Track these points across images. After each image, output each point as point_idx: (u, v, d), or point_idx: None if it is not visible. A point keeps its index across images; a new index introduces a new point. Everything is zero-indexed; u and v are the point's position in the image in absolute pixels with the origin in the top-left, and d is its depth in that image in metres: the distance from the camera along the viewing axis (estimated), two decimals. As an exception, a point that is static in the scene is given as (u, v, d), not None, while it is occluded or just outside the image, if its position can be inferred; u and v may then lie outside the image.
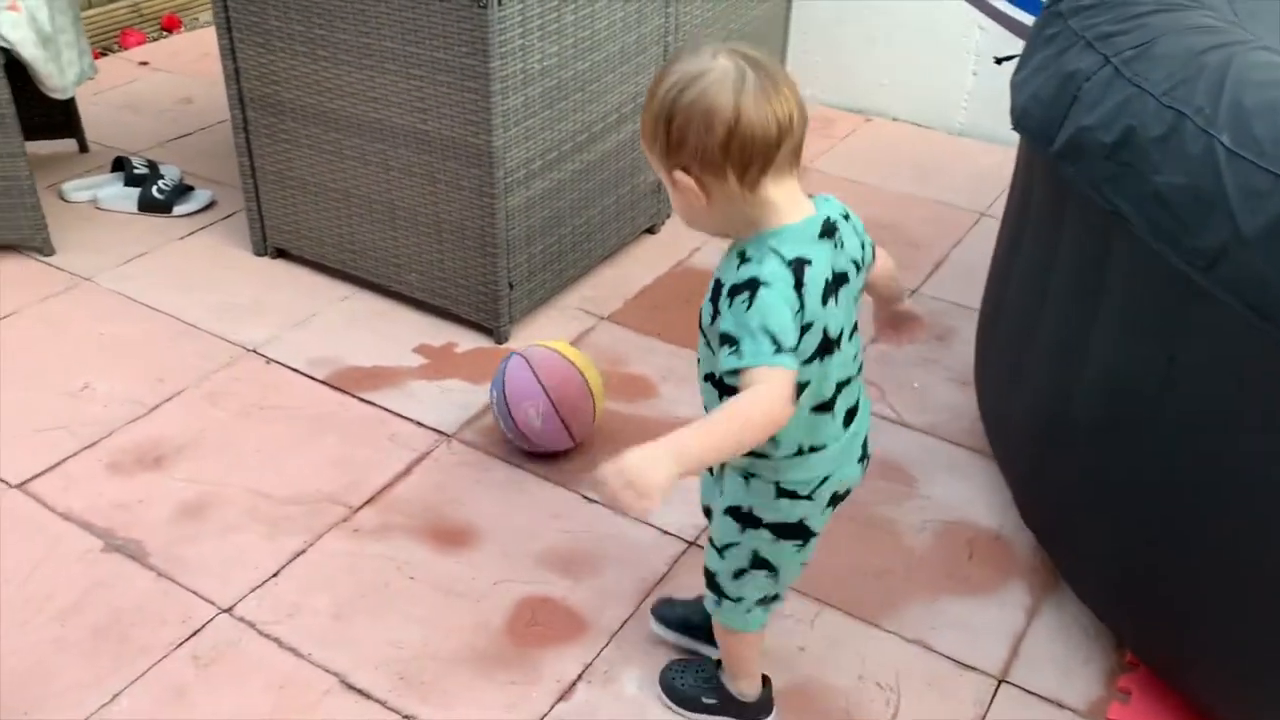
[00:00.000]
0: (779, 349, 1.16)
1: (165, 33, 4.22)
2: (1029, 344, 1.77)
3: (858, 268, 1.32)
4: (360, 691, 1.62)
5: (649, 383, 2.30)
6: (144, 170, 2.93)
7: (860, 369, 1.37)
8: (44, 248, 2.64)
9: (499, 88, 2.10)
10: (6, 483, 1.97)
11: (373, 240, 2.47)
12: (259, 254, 2.69)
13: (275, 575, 1.81)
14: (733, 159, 1.17)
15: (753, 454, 1.31)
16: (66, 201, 2.90)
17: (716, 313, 1.22)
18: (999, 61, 1.94)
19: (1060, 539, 1.78)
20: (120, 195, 2.87)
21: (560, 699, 1.63)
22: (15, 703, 1.58)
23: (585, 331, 2.47)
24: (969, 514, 2.00)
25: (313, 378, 2.29)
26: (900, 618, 1.78)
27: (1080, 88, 1.52)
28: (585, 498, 2.00)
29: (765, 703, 1.60)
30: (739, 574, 1.44)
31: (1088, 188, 1.49)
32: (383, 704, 1.60)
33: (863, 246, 1.34)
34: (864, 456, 1.43)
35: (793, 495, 1.35)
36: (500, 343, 2.42)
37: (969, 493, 2.05)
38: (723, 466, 1.42)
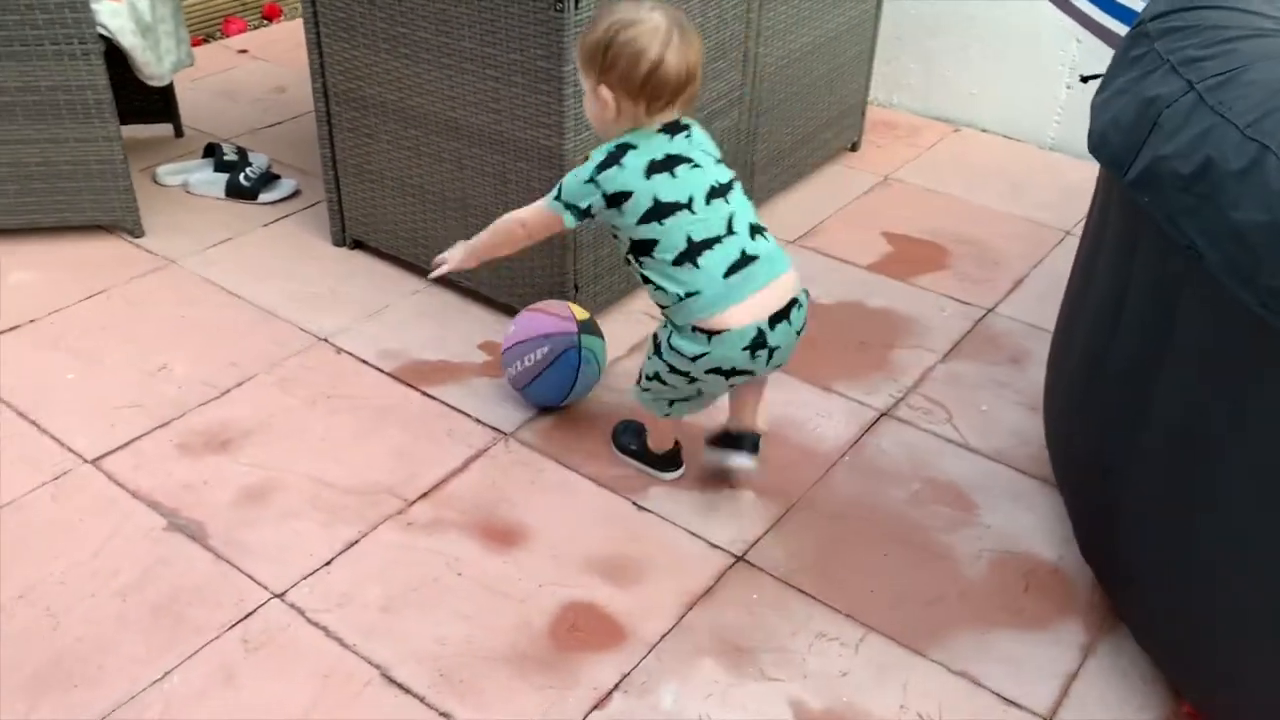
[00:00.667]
0: (557, 197, 1.76)
1: (266, 21, 4.34)
2: (1097, 374, 1.72)
3: (707, 155, 1.76)
4: (401, 686, 1.65)
5: (709, 391, 2.29)
6: (233, 157, 3.02)
7: (752, 234, 1.76)
8: (135, 229, 2.73)
9: (572, 91, 2.11)
10: (82, 457, 2.05)
11: (445, 236, 2.50)
12: (337, 244, 2.75)
13: (328, 564, 1.85)
14: (647, 92, 1.66)
15: (660, 305, 1.78)
16: (159, 185, 3.00)
17: None
18: (1085, 80, 1.88)
19: (1120, 578, 1.72)
20: (209, 181, 2.96)
21: (595, 707, 1.63)
22: (76, 671, 1.65)
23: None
24: (1029, 545, 1.95)
25: (380, 369, 2.33)
26: (949, 648, 1.74)
27: (1160, 114, 1.46)
28: (636, 505, 2.00)
29: (674, 458, 2.05)
30: (650, 378, 1.87)
31: (1162, 219, 1.43)
32: (421, 700, 1.63)
33: (719, 145, 1.83)
34: (763, 346, 1.76)
35: (678, 352, 1.77)
36: (565, 343, 2.43)
37: (1030, 523, 2.00)
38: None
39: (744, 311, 1.72)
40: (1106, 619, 1.80)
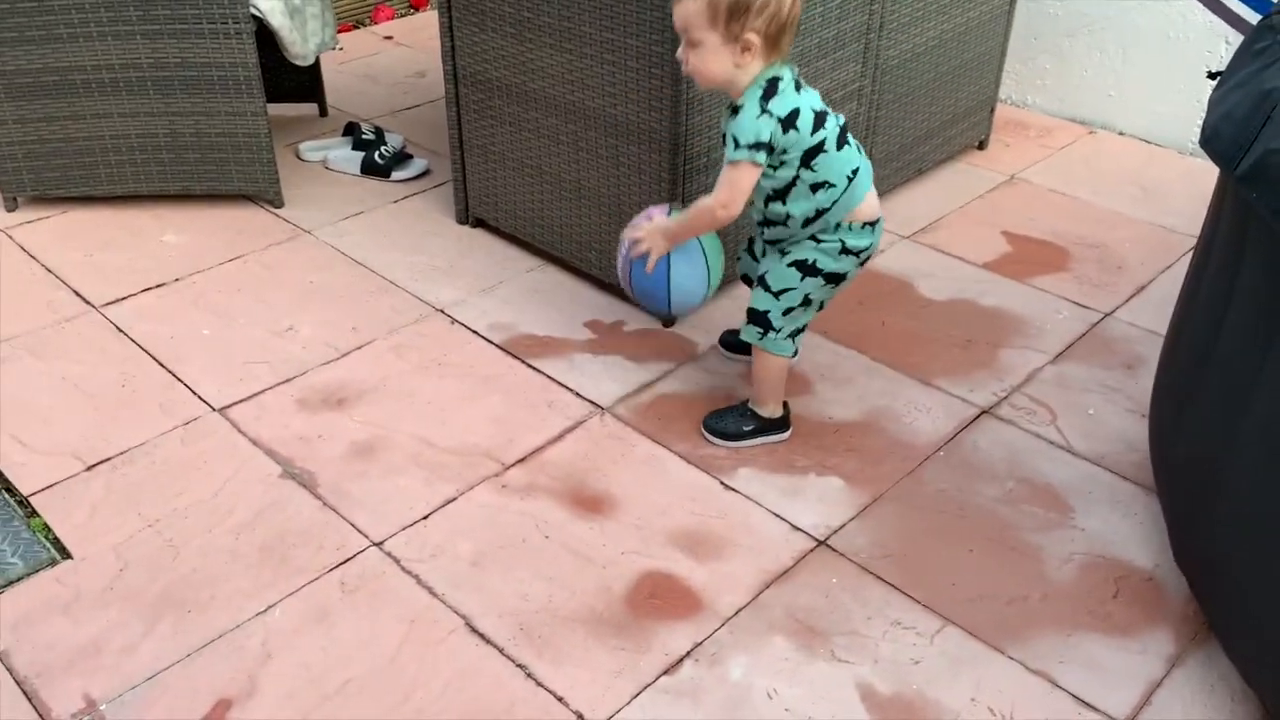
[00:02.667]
0: (736, 148, 1.84)
1: (413, 9, 4.52)
2: (1200, 379, 1.66)
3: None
4: (482, 636, 1.72)
5: (805, 380, 2.30)
6: (371, 136, 3.17)
7: None
8: (275, 200, 2.91)
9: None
10: (211, 406, 2.20)
11: (560, 217, 2.58)
12: (461, 222, 2.86)
13: (426, 518, 1.95)
14: (784, 37, 1.80)
15: (809, 222, 1.93)
16: (301, 160, 3.17)
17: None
18: (1211, 77, 1.81)
19: (1214, 590, 1.67)
20: (347, 158, 3.12)
21: (665, 672, 1.67)
22: (188, 598, 1.78)
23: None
24: (1122, 551, 1.90)
25: (489, 340, 2.43)
26: (1028, 647, 1.72)
27: (1276, 106, 1.41)
28: (724, 485, 2.03)
29: (786, 420, 2.14)
30: (792, 308, 1.99)
31: (1269, 216, 1.38)
32: (500, 650, 1.70)
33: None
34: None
35: (850, 252, 1.95)
36: (667, 326, 2.48)
37: (1127, 529, 1.94)
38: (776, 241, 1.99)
39: (872, 205, 1.96)
40: (1199, 631, 1.74)
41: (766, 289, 2.00)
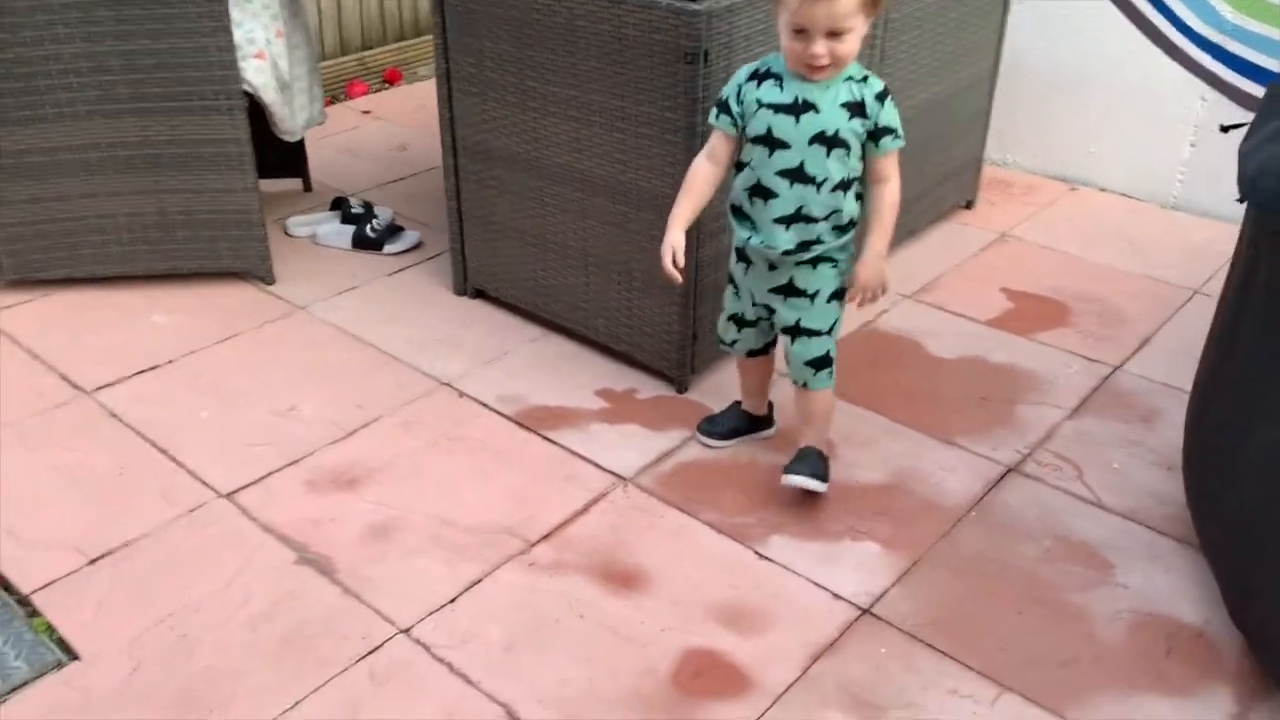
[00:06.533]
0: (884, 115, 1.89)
1: (387, 84, 4.52)
2: (1246, 436, 1.65)
3: None
4: (524, 725, 1.64)
5: (828, 443, 2.26)
6: (360, 210, 3.12)
7: None
8: (267, 277, 2.84)
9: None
10: (217, 492, 2.11)
11: (565, 285, 2.55)
12: (459, 293, 2.81)
13: (452, 601, 1.87)
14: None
15: (851, 228, 1.96)
16: (289, 236, 3.12)
17: (863, 118, 1.86)
18: (1225, 130, 1.84)
19: (1277, 646, 1.63)
20: (337, 232, 3.07)
21: (721, 755, 1.60)
22: (207, 697, 1.68)
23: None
24: (1169, 608, 1.86)
25: (500, 413, 2.36)
26: (1089, 710, 1.67)
27: (1320, 157, 1.42)
28: (758, 554, 1.98)
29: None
30: (834, 328, 2.04)
31: (1325, 263, 1.38)
32: (545, 740, 1.62)
33: None
34: None
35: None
36: (681, 392, 2.43)
37: (1171, 585, 1.91)
38: (814, 261, 1.96)
39: None
40: (1259, 688, 1.70)
41: (813, 334, 2.01)
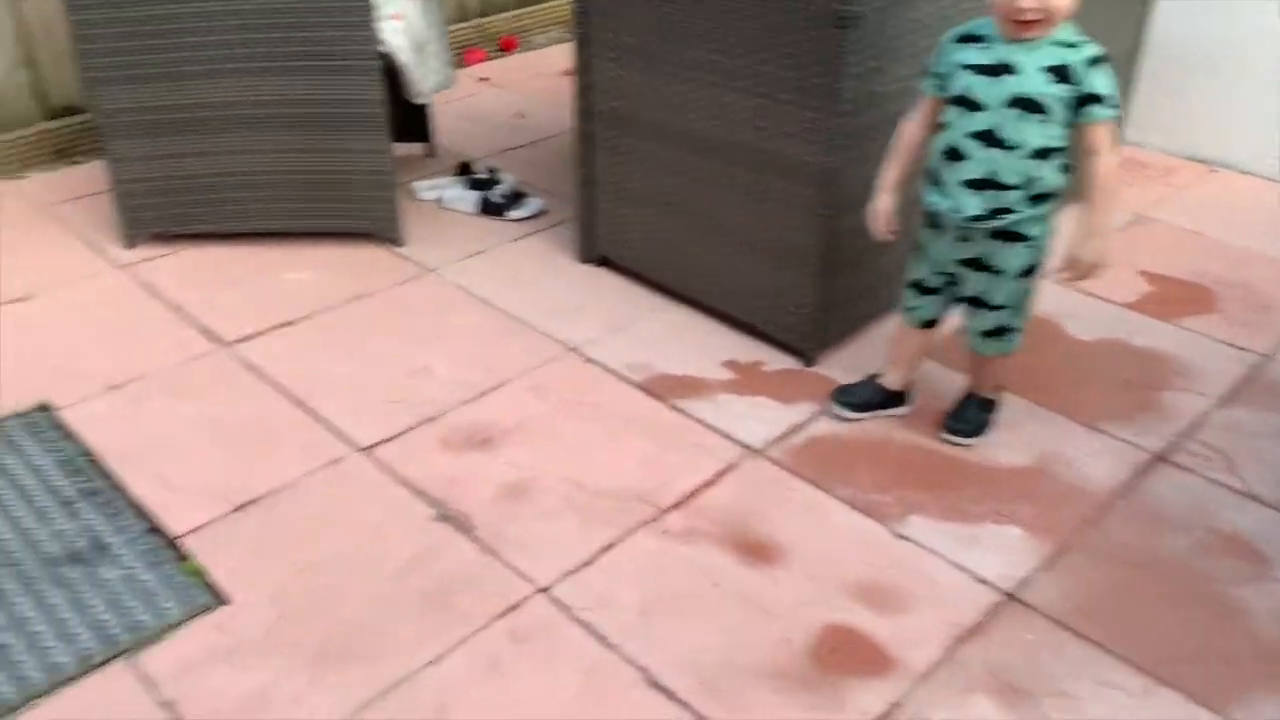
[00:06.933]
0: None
1: (502, 52, 4.53)
2: None
3: None
4: (665, 690, 1.63)
5: (966, 422, 2.21)
6: (485, 176, 3.14)
7: None
8: (397, 239, 2.87)
9: (846, 108, 2.09)
10: (354, 445, 2.14)
11: (693, 254, 2.52)
12: (584, 261, 2.81)
13: (588, 563, 1.87)
14: None
15: (1049, 200, 1.90)
16: (415, 199, 3.14)
17: (1067, 83, 1.79)
18: None
19: None
20: (462, 197, 3.08)
21: (865, 732, 1.57)
22: (352, 648, 1.70)
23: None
24: (1335, 607, 1.78)
25: (628, 380, 2.36)
26: (1253, 709, 1.60)
27: None
28: (895, 533, 1.94)
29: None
30: (1032, 290, 2.01)
31: None
32: (686, 706, 1.61)
33: None
34: None
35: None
36: (808, 365, 2.40)
37: (1335, 584, 1.83)
38: (1008, 238, 1.92)
39: None
40: None
41: (995, 308, 2.00)
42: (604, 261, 2.79)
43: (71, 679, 1.64)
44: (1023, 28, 1.76)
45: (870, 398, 2.22)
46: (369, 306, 2.62)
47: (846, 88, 2.07)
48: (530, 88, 4.07)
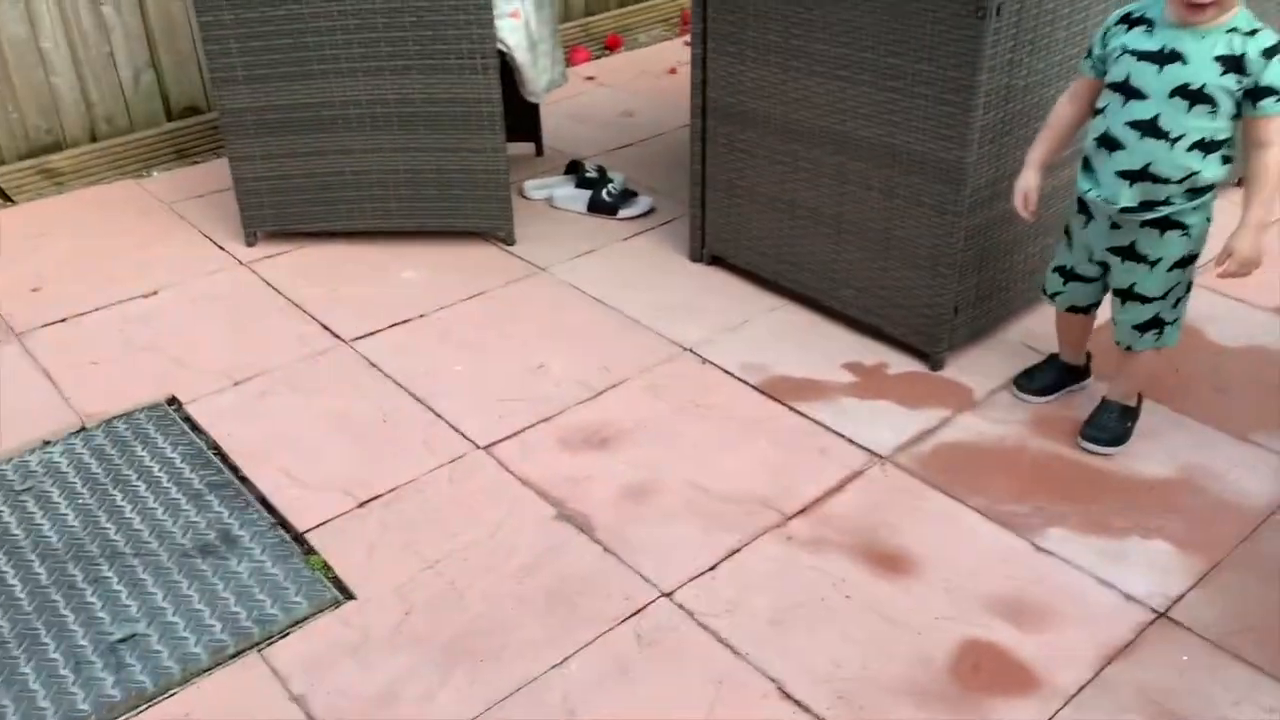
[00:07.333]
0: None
1: (608, 51, 4.51)
2: None
3: None
4: (799, 703, 1.58)
5: (1106, 430, 2.11)
6: (594, 175, 3.12)
7: None
8: (508, 237, 2.86)
9: (982, 102, 2.02)
10: (475, 443, 2.13)
11: (812, 253, 2.46)
12: (695, 259, 2.77)
13: (713, 569, 1.82)
14: None
15: (1208, 192, 1.83)
16: (525, 198, 3.14)
17: (1240, 74, 1.68)
18: None
19: None
20: (572, 196, 3.07)
21: (1012, 755, 1.50)
22: (478, 647, 1.69)
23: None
24: None
25: (744, 381, 2.31)
26: None
27: None
28: (1035, 546, 1.85)
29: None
30: (1177, 303, 1.94)
31: None
32: (821, 720, 1.55)
33: None
34: None
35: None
36: (935, 369, 2.32)
37: None
38: (1162, 227, 1.83)
39: None
40: None
41: (1146, 300, 1.92)
42: (715, 260, 2.75)
43: (206, 670, 1.66)
44: (1194, 11, 1.66)
45: (1054, 378, 2.18)
46: (483, 305, 2.61)
47: (983, 81, 1.99)
48: (636, 86, 4.04)
